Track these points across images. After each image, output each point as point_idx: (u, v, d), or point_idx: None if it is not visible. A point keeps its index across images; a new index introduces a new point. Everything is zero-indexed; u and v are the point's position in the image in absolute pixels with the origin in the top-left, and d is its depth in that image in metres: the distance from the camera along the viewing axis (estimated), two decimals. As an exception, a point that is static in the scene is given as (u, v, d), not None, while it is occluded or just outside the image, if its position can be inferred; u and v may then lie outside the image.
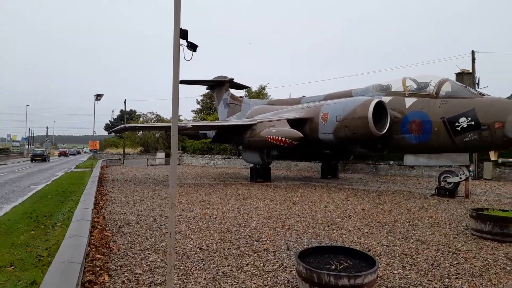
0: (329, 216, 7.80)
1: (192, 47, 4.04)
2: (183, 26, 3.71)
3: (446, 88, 11.10)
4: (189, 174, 20.81)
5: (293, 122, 13.94)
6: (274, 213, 8.08)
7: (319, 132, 13.50)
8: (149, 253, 5.07)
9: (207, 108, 43.63)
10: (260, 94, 39.46)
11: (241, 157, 21.36)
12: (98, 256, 4.81)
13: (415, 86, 12.08)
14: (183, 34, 3.86)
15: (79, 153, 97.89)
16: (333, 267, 3.63)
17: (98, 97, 26.66)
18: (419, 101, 11.49)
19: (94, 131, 26.40)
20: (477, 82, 19.49)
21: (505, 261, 4.91)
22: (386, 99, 12.27)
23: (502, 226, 5.76)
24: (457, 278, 4.28)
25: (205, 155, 31.64)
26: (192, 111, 46.17)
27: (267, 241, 5.75)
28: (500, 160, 16.61)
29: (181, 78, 21.17)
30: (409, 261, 4.87)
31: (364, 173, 21.07)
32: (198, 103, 45.43)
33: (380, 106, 12.00)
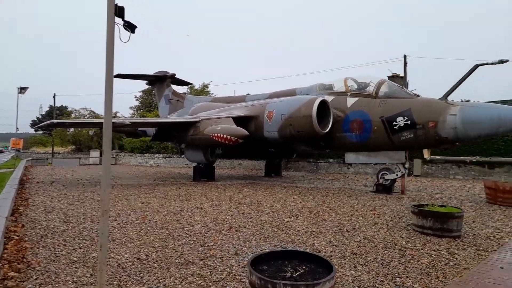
0: (276, 216, 7.59)
1: (130, 27, 3.51)
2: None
3: (384, 89, 11.53)
4: (127, 174, 19.53)
5: (238, 120, 13.62)
6: (220, 215, 7.67)
7: (264, 130, 13.34)
8: (76, 267, 4.39)
9: (146, 104, 41.73)
10: (202, 92, 38.68)
11: (183, 156, 20.56)
12: (12, 274, 4.04)
13: (356, 86, 12.43)
14: (119, 11, 3.32)
15: (2, 152, 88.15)
16: (289, 274, 3.34)
17: (22, 90, 24.02)
18: (360, 100, 11.82)
19: (17, 128, 23.71)
20: (407, 85, 20.83)
21: (447, 257, 5.04)
22: (329, 98, 12.46)
23: (443, 221, 5.96)
24: (407, 277, 4.25)
25: (145, 154, 30.12)
26: (130, 108, 43.88)
27: (214, 246, 5.34)
28: (428, 157, 17.87)
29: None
30: (360, 260, 4.78)
31: (306, 171, 21.47)
32: (137, 100, 43.29)
33: (323, 105, 12.14)
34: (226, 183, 14.35)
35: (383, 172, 11.65)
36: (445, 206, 6.55)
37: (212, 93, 39.19)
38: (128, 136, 26.61)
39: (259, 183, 14.47)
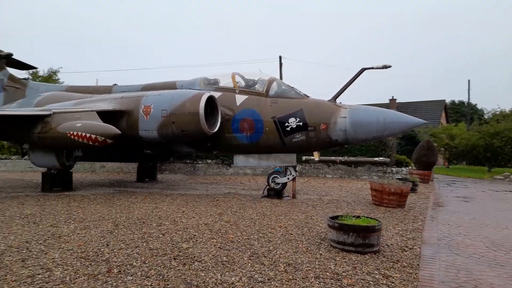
0: (169, 241, 5.94)
1: None
2: None
3: (275, 87, 10.99)
4: None
5: (104, 115, 11.11)
6: (90, 245, 5.57)
7: (139, 128, 11.21)
8: None
9: (-30, 91, 32.60)
10: (49, 79, 32.48)
11: (26, 157, 16.23)
12: None
13: (244, 83, 11.58)
14: None
15: None
16: None
17: None
18: (250, 99, 10.99)
19: None
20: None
21: (385, 282, 4.41)
22: (216, 94, 11.23)
23: (365, 236, 5.42)
24: (367, 324, 3.35)
25: (-33, 155, 23.15)
26: None
27: (90, 312, 3.45)
28: (304, 158, 18.58)
29: None
30: (302, 305, 3.69)
31: (182, 173, 19.83)
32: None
33: (210, 101, 10.85)
34: (89, 193, 11.61)
35: (274, 175, 11.09)
36: (360, 217, 6.09)
37: (63, 82, 33.32)
38: None
39: (133, 191, 12.21)
